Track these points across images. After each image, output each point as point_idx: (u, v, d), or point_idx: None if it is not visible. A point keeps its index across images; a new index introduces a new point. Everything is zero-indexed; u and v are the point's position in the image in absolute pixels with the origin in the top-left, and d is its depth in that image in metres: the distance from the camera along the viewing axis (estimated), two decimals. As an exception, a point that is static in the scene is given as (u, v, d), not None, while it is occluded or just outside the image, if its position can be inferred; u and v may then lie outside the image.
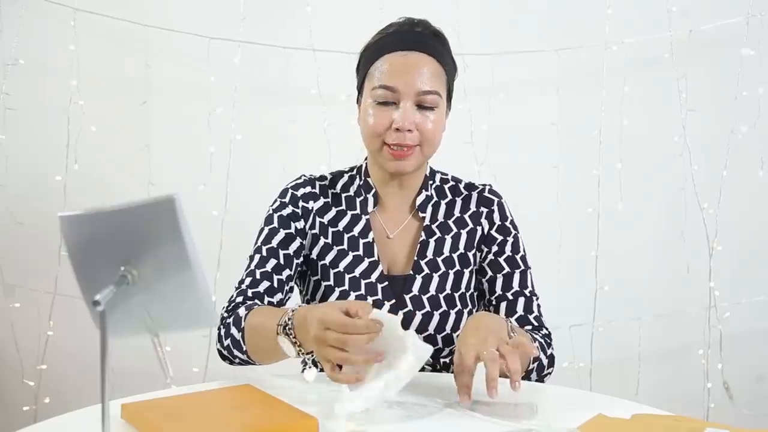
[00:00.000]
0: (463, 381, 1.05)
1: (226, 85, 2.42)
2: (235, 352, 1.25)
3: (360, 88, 1.37)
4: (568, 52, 2.43)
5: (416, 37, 1.32)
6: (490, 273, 1.37)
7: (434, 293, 1.33)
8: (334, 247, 1.36)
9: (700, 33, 2.41)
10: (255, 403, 1.03)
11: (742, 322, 2.42)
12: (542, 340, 1.30)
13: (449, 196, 1.42)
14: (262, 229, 1.37)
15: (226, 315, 1.29)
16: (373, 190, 1.38)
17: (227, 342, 1.25)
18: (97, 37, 2.46)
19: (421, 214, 1.39)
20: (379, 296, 1.32)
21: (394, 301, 1.32)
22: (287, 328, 1.11)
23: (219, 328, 1.29)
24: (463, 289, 1.36)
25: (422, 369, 1.09)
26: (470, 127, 2.42)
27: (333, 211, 1.39)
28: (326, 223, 1.38)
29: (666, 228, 2.52)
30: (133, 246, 0.79)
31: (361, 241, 1.36)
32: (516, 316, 1.33)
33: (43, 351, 2.40)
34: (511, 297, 1.35)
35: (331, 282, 1.34)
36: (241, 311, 1.25)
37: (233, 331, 1.24)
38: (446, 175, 1.45)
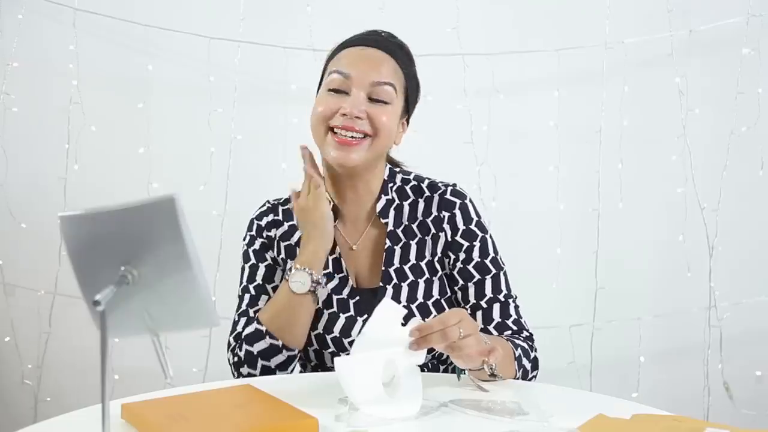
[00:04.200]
0: (431, 326, 1.03)
1: (226, 85, 2.42)
2: (255, 348, 1.24)
3: (320, 87, 1.34)
4: (568, 52, 2.43)
5: (379, 38, 1.33)
6: (461, 281, 1.32)
7: (406, 303, 1.29)
8: None
9: (700, 33, 2.41)
10: (255, 403, 1.03)
11: (742, 322, 2.42)
12: (524, 345, 1.26)
13: (411, 197, 1.36)
14: (243, 268, 1.37)
15: (231, 356, 1.28)
16: (332, 204, 1.33)
17: (242, 353, 1.25)
18: (97, 37, 2.46)
19: (383, 221, 1.34)
20: (352, 312, 1.30)
21: (366, 315, 1.27)
22: (291, 268, 1.24)
23: (233, 366, 1.28)
24: (436, 296, 1.31)
25: None
26: (470, 127, 2.42)
27: (299, 233, 1.35)
28: (293, 244, 1.36)
29: (666, 228, 2.52)
30: (133, 246, 0.79)
31: (330, 258, 1.33)
32: (493, 323, 1.29)
33: (43, 351, 2.40)
34: (485, 305, 1.30)
35: None
36: (248, 329, 1.26)
37: (245, 347, 1.25)
38: (408, 174, 1.40)
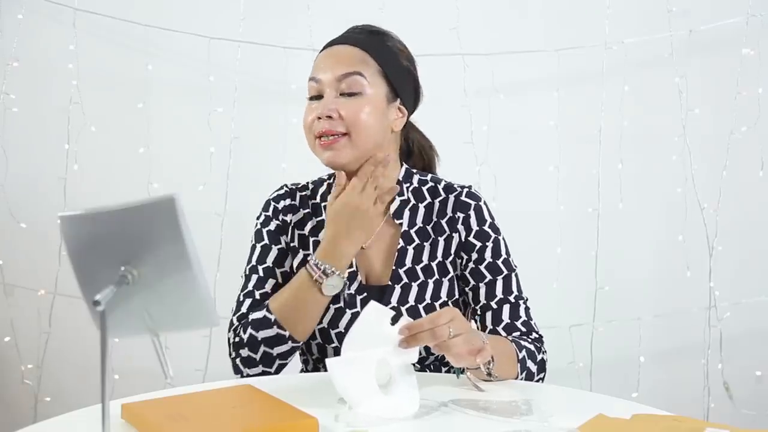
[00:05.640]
0: (421, 325, 1.04)
1: (226, 85, 2.42)
2: (260, 334, 1.23)
3: None
4: (568, 52, 2.43)
5: (348, 33, 1.35)
6: (472, 282, 1.32)
7: (413, 303, 1.29)
8: None
9: (700, 33, 2.41)
10: (255, 403, 1.03)
11: (742, 322, 2.42)
12: (530, 346, 1.26)
13: (428, 198, 1.37)
14: (254, 246, 1.36)
15: (233, 335, 1.27)
16: None
17: (245, 336, 1.24)
18: (97, 37, 2.46)
19: (397, 221, 1.34)
20: (358, 308, 1.29)
21: None
22: (325, 270, 1.22)
23: (230, 350, 1.27)
24: (444, 298, 1.32)
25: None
26: (470, 127, 2.42)
27: (314, 221, 1.36)
28: (306, 234, 1.36)
29: (666, 228, 2.52)
30: (133, 246, 0.79)
31: None
32: (503, 324, 1.29)
33: (43, 351, 2.40)
34: (495, 306, 1.30)
35: None
36: (256, 314, 1.25)
37: (256, 322, 1.24)
38: (425, 175, 1.40)
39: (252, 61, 2.45)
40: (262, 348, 1.24)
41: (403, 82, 1.35)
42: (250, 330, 1.24)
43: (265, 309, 1.26)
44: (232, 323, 1.29)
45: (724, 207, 2.39)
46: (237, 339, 1.26)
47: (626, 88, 2.43)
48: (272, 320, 1.24)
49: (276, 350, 1.24)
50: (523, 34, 2.51)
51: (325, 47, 1.36)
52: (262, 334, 1.24)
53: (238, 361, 1.26)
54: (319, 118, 1.26)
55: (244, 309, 1.29)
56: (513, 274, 1.33)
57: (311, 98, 1.31)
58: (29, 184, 2.49)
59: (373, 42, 1.33)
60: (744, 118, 2.39)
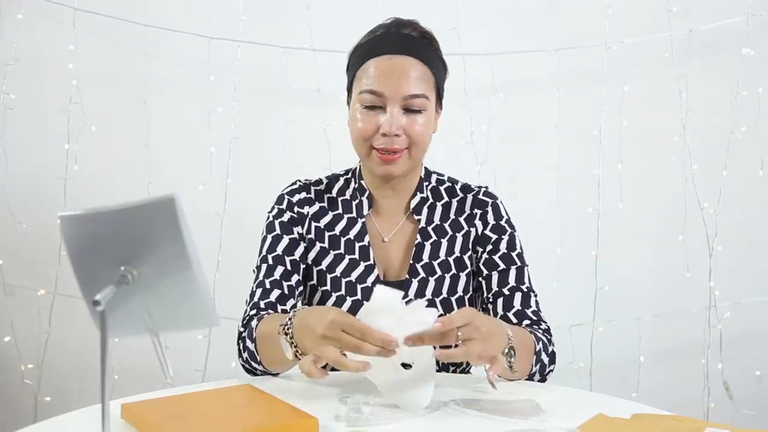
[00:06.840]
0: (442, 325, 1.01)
1: (226, 85, 2.42)
2: (253, 364, 1.25)
3: (349, 90, 1.36)
4: (568, 52, 2.43)
5: (403, 39, 1.30)
6: (485, 271, 1.35)
7: (431, 297, 1.32)
8: (331, 251, 1.36)
9: (700, 33, 2.41)
10: (255, 403, 1.03)
11: (742, 322, 2.42)
12: (543, 338, 1.28)
13: (445, 198, 1.40)
14: (265, 238, 1.37)
15: (242, 329, 1.28)
16: (367, 193, 1.38)
17: (245, 355, 1.26)
18: (97, 37, 2.46)
19: (416, 217, 1.38)
20: None
21: None
22: (287, 328, 1.11)
23: (237, 343, 1.28)
24: (460, 293, 1.35)
25: None
26: (470, 127, 2.42)
27: (329, 215, 1.38)
28: (322, 227, 1.38)
29: (666, 228, 2.52)
30: (133, 246, 0.79)
31: (357, 245, 1.35)
32: (513, 310, 1.31)
33: (43, 351, 2.40)
34: (507, 292, 1.33)
35: (328, 287, 1.34)
36: (254, 323, 1.25)
37: (248, 343, 1.24)
38: (442, 175, 1.44)
39: (252, 61, 2.44)
40: (258, 370, 1.26)
41: (443, 87, 1.37)
42: (246, 355, 1.26)
43: (254, 343, 1.23)
44: (243, 319, 1.30)
45: (724, 207, 2.39)
46: (240, 347, 1.27)
47: (626, 88, 2.43)
48: (258, 360, 1.23)
49: (257, 370, 1.26)
50: (523, 34, 2.51)
51: (381, 50, 1.29)
52: (254, 365, 1.26)
53: (243, 367, 1.29)
54: (385, 134, 1.26)
55: (255, 298, 1.31)
56: (525, 268, 1.36)
57: (368, 108, 1.28)
58: (29, 184, 2.49)
59: (431, 55, 1.32)
60: (744, 118, 2.39)
